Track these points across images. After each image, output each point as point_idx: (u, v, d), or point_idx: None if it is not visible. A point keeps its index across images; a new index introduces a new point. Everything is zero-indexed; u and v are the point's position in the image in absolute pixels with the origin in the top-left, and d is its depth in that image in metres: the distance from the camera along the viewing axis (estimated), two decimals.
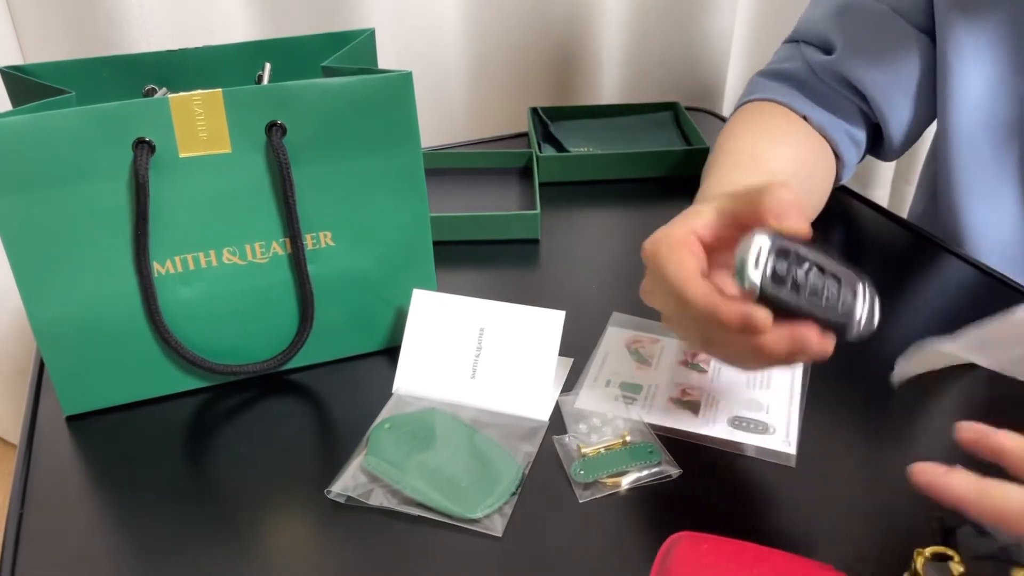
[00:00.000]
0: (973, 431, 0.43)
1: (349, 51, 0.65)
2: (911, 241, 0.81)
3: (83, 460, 0.57)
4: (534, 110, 1.05)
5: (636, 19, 1.16)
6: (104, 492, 0.55)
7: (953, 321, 0.68)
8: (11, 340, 1.04)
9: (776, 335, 0.47)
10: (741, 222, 0.51)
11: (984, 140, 0.76)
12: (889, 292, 0.72)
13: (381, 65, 0.70)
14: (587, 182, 0.94)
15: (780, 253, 0.48)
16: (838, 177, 0.82)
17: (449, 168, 0.96)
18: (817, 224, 0.83)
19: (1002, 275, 0.74)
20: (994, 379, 0.61)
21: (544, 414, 0.59)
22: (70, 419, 0.60)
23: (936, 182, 0.82)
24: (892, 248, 0.81)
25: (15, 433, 0.71)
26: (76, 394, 0.60)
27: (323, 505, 0.52)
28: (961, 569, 0.43)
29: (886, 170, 1.53)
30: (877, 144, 0.84)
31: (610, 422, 0.58)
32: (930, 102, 0.78)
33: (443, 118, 1.14)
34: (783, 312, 0.47)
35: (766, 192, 0.50)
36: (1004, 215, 0.78)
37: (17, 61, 0.92)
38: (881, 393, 0.60)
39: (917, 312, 0.70)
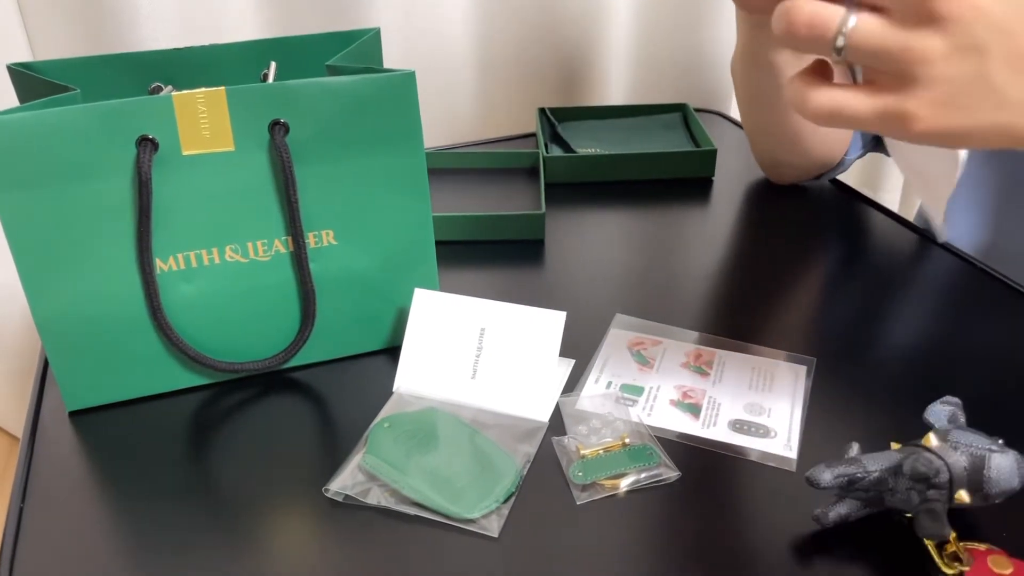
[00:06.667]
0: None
1: (354, 50, 0.65)
2: (918, 245, 0.81)
3: (85, 455, 0.58)
4: (542, 110, 1.05)
5: (645, 19, 1.16)
6: (105, 487, 0.55)
7: (958, 323, 0.67)
8: (16, 336, 1.04)
9: None
10: None
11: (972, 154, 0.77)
12: (896, 295, 0.72)
13: (388, 65, 0.70)
14: (594, 183, 0.94)
15: None
16: (841, 163, 0.87)
17: (456, 168, 0.96)
18: (826, 227, 0.83)
19: (1007, 278, 0.73)
20: (999, 382, 0.61)
21: (544, 415, 0.59)
22: (73, 414, 0.61)
23: None
24: (901, 252, 0.80)
25: (19, 428, 0.72)
26: (79, 390, 0.60)
27: (321, 503, 0.52)
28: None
29: (895, 174, 1.52)
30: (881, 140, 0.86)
31: (610, 424, 0.58)
32: None
33: (451, 118, 1.14)
34: None
35: None
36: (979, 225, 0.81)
37: (27, 58, 0.93)
38: (883, 398, 0.60)
39: (924, 315, 0.69)
